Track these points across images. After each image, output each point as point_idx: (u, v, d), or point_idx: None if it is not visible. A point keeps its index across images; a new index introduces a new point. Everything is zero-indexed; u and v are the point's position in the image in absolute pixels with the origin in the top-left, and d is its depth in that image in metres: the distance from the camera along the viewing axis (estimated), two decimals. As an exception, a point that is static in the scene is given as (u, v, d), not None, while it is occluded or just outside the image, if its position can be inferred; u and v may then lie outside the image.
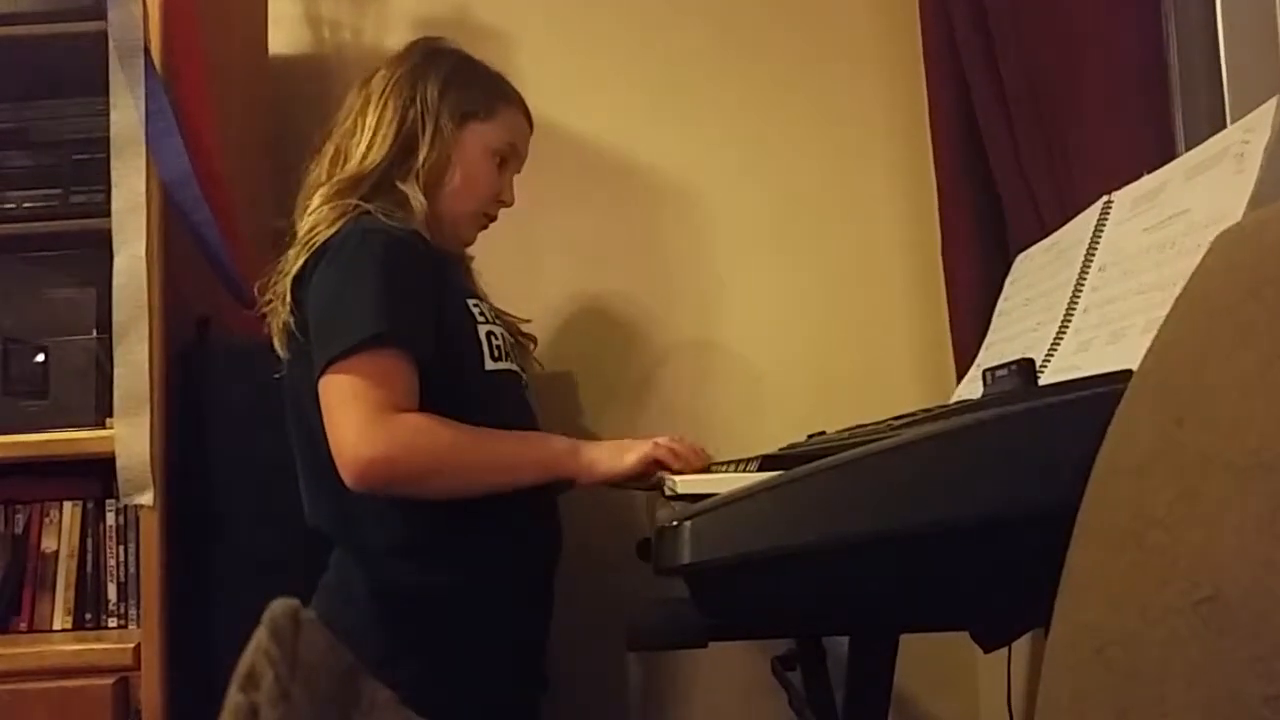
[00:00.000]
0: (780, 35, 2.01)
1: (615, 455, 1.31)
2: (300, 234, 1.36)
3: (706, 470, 1.30)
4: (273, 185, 1.90)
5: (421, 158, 1.39)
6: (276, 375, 1.37)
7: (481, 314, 1.40)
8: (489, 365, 1.36)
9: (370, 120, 1.41)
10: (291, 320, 1.32)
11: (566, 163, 1.96)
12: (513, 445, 1.33)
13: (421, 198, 1.38)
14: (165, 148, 1.48)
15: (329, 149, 1.43)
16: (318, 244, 1.31)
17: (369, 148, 1.39)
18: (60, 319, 1.56)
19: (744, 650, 1.85)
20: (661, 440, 1.31)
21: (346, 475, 1.23)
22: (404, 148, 1.40)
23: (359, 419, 1.22)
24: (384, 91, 1.42)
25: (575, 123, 1.98)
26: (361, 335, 1.24)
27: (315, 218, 1.35)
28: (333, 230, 1.31)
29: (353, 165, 1.38)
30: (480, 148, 1.45)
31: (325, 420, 1.25)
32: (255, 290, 1.40)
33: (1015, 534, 0.74)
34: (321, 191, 1.38)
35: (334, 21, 2.04)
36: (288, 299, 1.32)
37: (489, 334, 1.38)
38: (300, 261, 1.32)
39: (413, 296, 1.30)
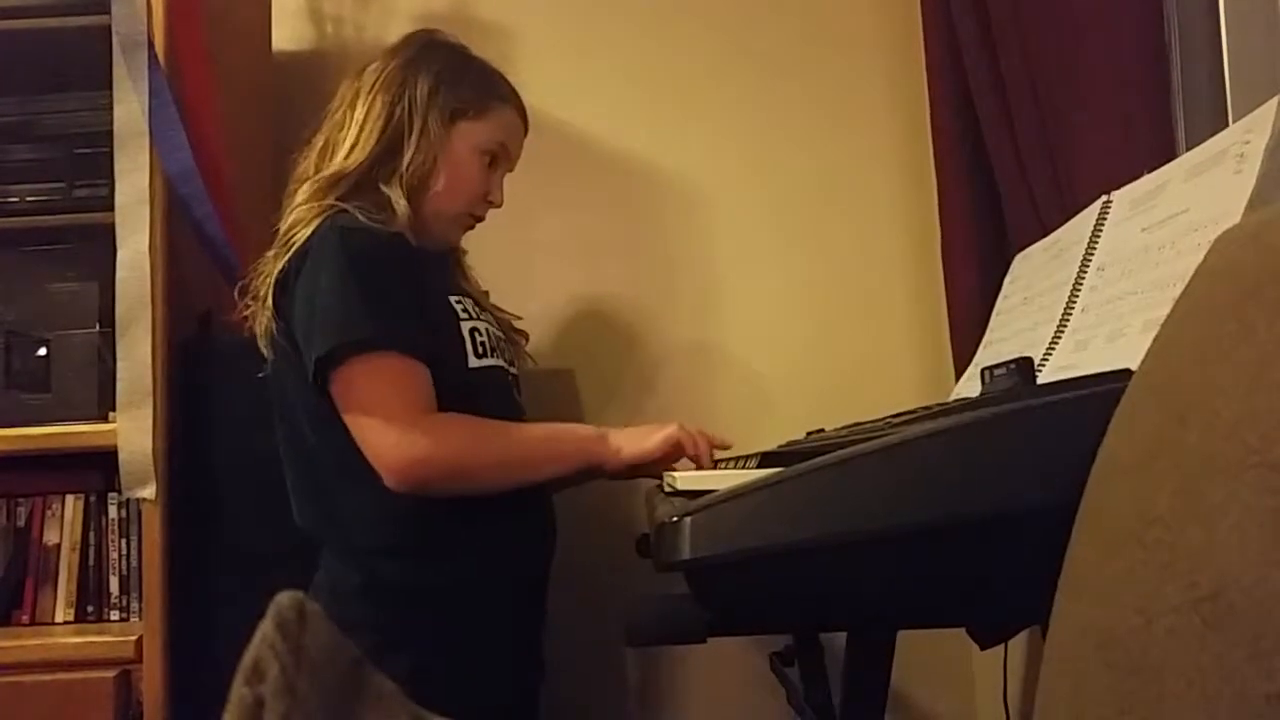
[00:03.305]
0: (781, 33, 2.01)
1: (640, 438, 1.32)
2: (280, 232, 1.35)
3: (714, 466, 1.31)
4: (275, 180, 1.89)
5: (406, 160, 1.37)
6: (261, 375, 1.37)
7: (465, 310, 1.38)
8: (472, 363, 1.35)
9: (358, 114, 1.39)
10: (274, 326, 1.31)
11: (566, 160, 1.96)
12: (545, 438, 1.35)
13: (404, 202, 1.35)
14: (168, 142, 1.48)
15: (318, 141, 1.41)
16: (296, 244, 1.30)
17: (354, 144, 1.37)
18: (63, 313, 1.56)
19: (742, 646, 1.86)
20: (689, 427, 1.33)
21: (389, 477, 1.24)
22: (389, 147, 1.37)
23: (397, 422, 1.23)
24: (374, 85, 1.40)
25: (575, 120, 1.98)
26: (367, 336, 1.24)
27: (294, 216, 1.34)
28: (310, 230, 1.30)
29: (337, 161, 1.36)
30: (468, 146, 1.42)
31: (354, 423, 1.25)
32: (235, 292, 1.39)
33: (1013, 531, 0.74)
34: (305, 187, 1.37)
35: (337, 17, 2.05)
36: (268, 303, 1.31)
37: (472, 330, 1.37)
38: (280, 264, 1.31)
39: (401, 297, 1.29)
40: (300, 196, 1.36)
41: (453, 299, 1.38)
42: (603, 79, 2.02)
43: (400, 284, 1.29)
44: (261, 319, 1.33)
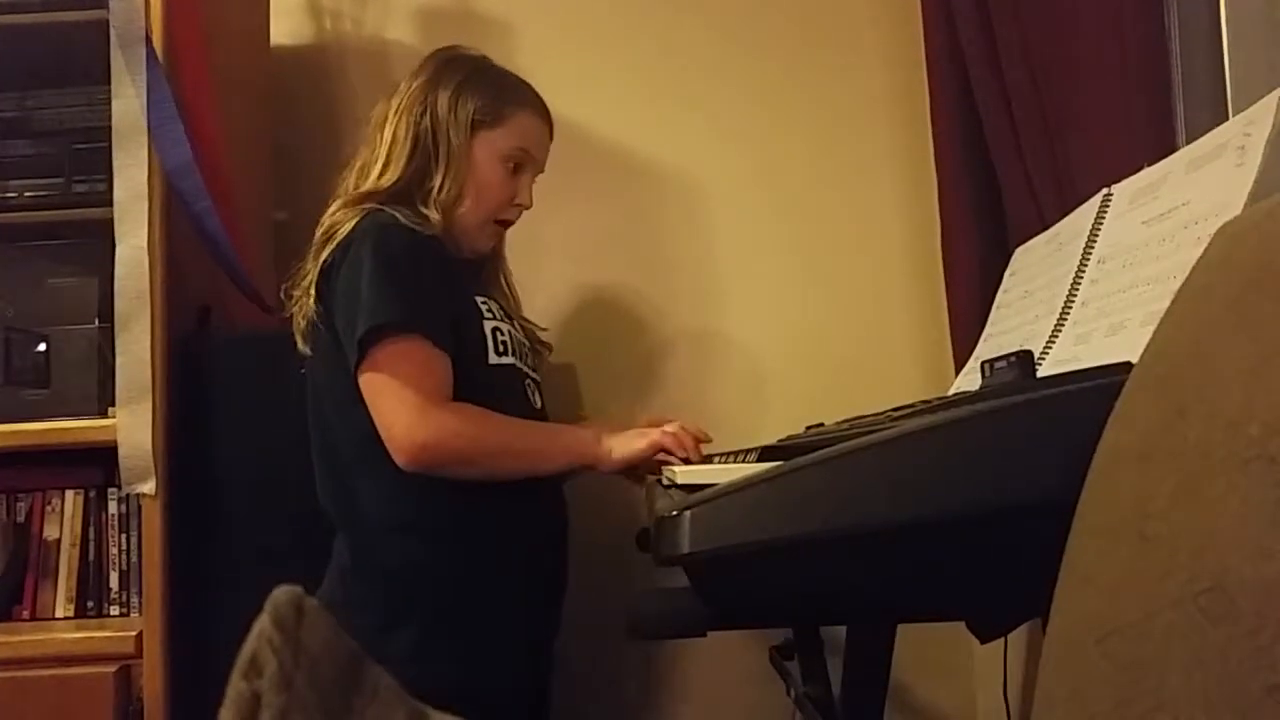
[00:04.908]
0: (782, 29, 2.01)
1: (628, 441, 1.37)
2: (318, 236, 1.41)
3: (706, 461, 1.31)
4: (274, 175, 1.90)
5: (438, 182, 1.43)
6: (302, 370, 1.42)
7: (489, 311, 1.44)
8: (492, 359, 1.41)
9: (387, 135, 1.45)
10: (316, 313, 1.37)
11: (568, 155, 1.94)
12: (544, 435, 1.44)
13: (439, 218, 1.41)
14: (167, 137, 1.48)
15: (356, 163, 1.48)
16: (338, 238, 1.36)
17: (385, 164, 1.44)
18: (62, 308, 1.56)
19: (743, 640, 1.86)
20: (670, 428, 1.37)
21: (398, 456, 1.30)
22: (419, 165, 1.44)
23: (411, 406, 1.30)
24: (399, 107, 1.46)
25: (577, 115, 1.97)
26: (394, 317, 1.30)
27: (332, 220, 1.41)
28: (351, 225, 1.37)
29: (370, 181, 1.43)
30: (489, 154, 1.47)
31: (371, 400, 1.32)
32: (281, 293, 1.44)
33: (1013, 525, 0.74)
34: (340, 201, 1.43)
35: (335, 12, 2.04)
36: (312, 292, 1.37)
37: (494, 330, 1.43)
38: (322, 257, 1.37)
39: (432, 289, 1.36)
40: (334, 207, 1.43)
41: (478, 299, 1.45)
42: (603, 74, 2.01)
43: (432, 278, 1.36)
44: (303, 311, 1.39)
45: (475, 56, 1.54)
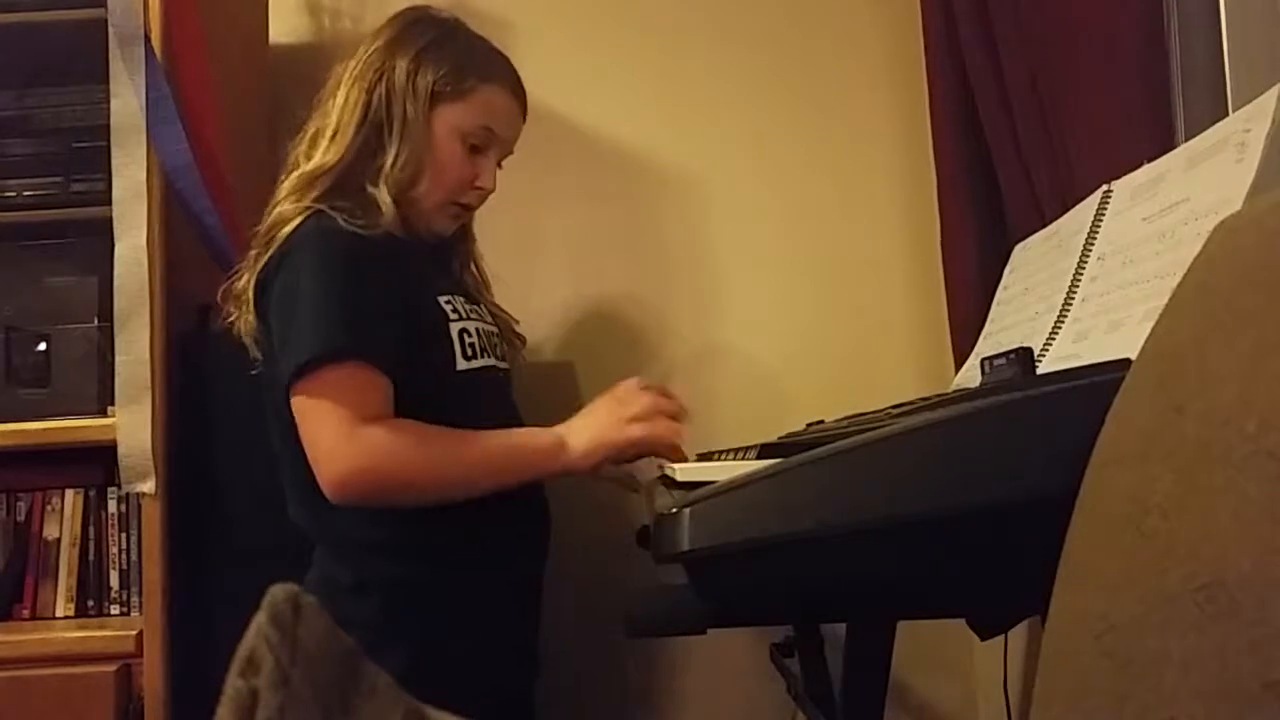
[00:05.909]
0: (782, 28, 2.01)
1: (596, 433, 1.28)
2: (261, 231, 1.31)
3: (706, 458, 1.31)
4: (273, 173, 1.89)
5: (390, 158, 1.30)
6: (254, 372, 1.34)
7: (454, 311, 1.34)
8: (460, 365, 1.31)
9: (338, 102, 1.33)
10: (256, 326, 1.29)
11: (567, 155, 1.95)
12: (494, 448, 1.27)
13: (390, 201, 1.29)
14: (166, 135, 1.48)
15: (309, 129, 1.36)
16: (277, 243, 1.26)
17: (331, 137, 1.31)
18: (62, 307, 1.56)
19: (742, 637, 1.86)
20: (652, 427, 1.28)
21: (326, 490, 1.20)
22: (369, 139, 1.31)
23: (332, 434, 1.19)
24: (355, 71, 1.34)
25: (577, 114, 1.98)
26: (326, 347, 1.20)
27: (275, 215, 1.30)
28: (290, 229, 1.26)
29: (316, 156, 1.31)
30: (447, 131, 1.35)
31: (301, 435, 1.22)
32: (219, 296, 1.36)
33: (1013, 522, 0.74)
34: (288, 181, 1.32)
35: (334, 10, 2.04)
36: (250, 305, 1.28)
37: (461, 332, 1.33)
38: (260, 264, 1.28)
39: (375, 303, 1.24)
40: (282, 192, 1.32)
41: (441, 299, 1.34)
42: (603, 73, 2.01)
43: (378, 289, 1.25)
44: (245, 321, 1.30)
45: (445, 19, 1.41)
